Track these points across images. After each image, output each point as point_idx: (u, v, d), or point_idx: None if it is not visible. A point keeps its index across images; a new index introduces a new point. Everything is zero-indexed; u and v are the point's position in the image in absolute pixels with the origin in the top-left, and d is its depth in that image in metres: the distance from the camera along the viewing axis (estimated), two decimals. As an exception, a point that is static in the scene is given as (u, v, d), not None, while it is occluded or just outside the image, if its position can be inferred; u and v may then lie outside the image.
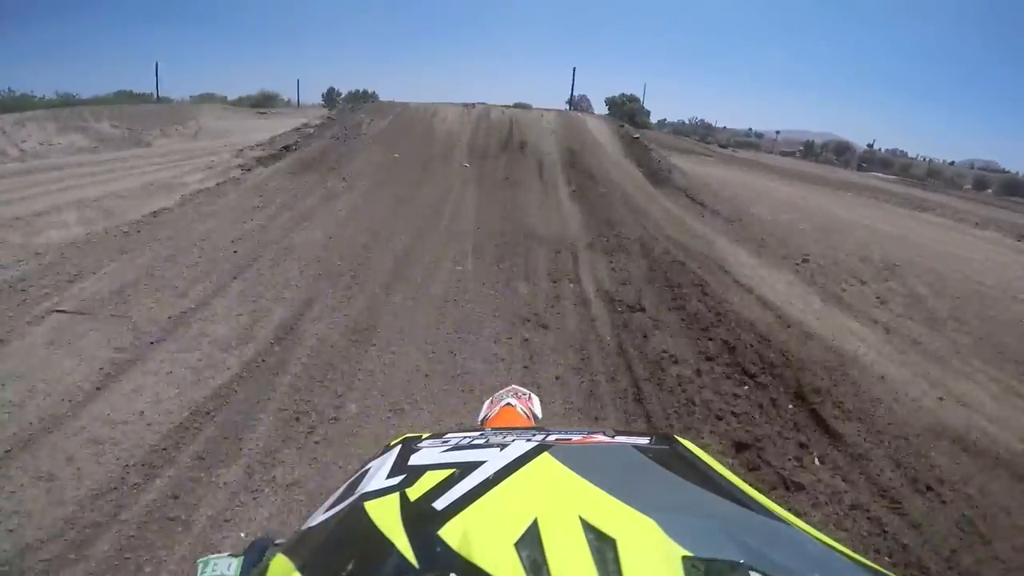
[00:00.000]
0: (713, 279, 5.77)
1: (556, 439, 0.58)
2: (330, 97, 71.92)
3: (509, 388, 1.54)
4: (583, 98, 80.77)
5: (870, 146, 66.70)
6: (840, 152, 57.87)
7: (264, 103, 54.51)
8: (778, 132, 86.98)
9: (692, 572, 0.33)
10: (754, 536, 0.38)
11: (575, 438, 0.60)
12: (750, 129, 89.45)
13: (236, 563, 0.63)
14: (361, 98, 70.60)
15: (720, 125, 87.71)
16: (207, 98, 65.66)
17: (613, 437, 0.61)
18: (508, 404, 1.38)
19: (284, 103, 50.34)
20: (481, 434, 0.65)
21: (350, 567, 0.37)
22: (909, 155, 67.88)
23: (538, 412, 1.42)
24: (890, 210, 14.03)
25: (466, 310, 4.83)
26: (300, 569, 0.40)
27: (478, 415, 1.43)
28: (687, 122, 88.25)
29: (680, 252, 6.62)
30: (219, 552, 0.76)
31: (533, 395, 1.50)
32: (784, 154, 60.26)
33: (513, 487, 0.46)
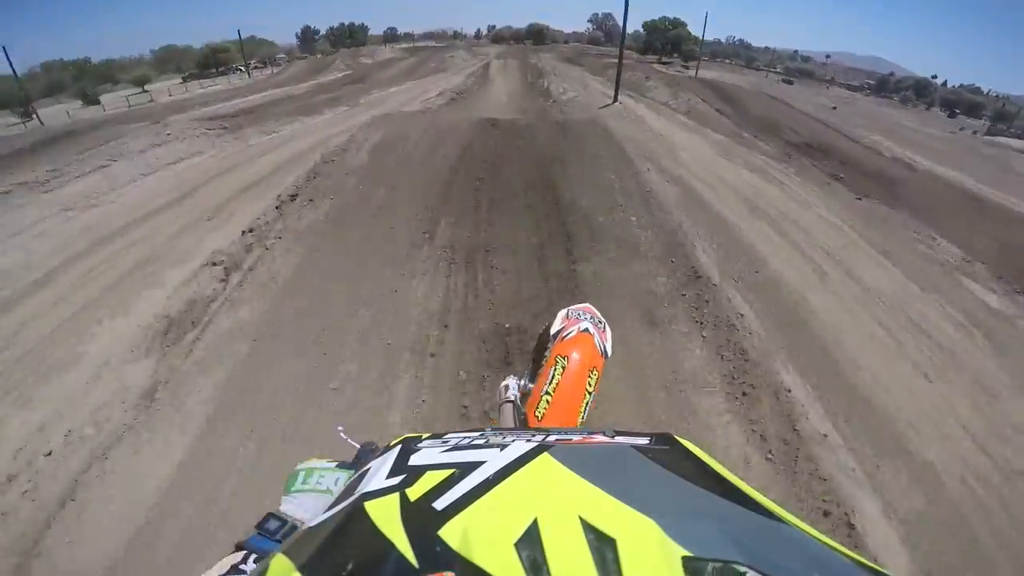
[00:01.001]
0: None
1: (556, 439, 0.56)
2: (306, 38, 57.59)
3: (586, 307, 1.36)
4: (606, 17, 65.48)
5: (934, 77, 53.23)
6: (920, 92, 44.95)
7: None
8: (828, 56, 71.73)
9: (692, 572, 0.32)
10: (754, 536, 0.37)
11: (575, 438, 0.58)
12: (795, 52, 73.91)
13: (345, 476, 0.68)
14: (347, 34, 56.91)
15: (761, 45, 72.79)
16: (167, 53, 52.15)
17: (613, 437, 0.58)
18: (586, 331, 1.24)
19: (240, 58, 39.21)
20: (481, 434, 0.63)
21: (350, 567, 0.35)
22: (982, 90, 54.51)
23: (609, 349, 1.25)
24: None
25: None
26: (300, 569, 0.37)
27: (552, 326, 1.27)
28: (723, 41, 73.33)
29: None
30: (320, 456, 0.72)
31: (608, 327, 1.32)
32: (851, 88, 47.83)
33: (513, 487, 0.44)
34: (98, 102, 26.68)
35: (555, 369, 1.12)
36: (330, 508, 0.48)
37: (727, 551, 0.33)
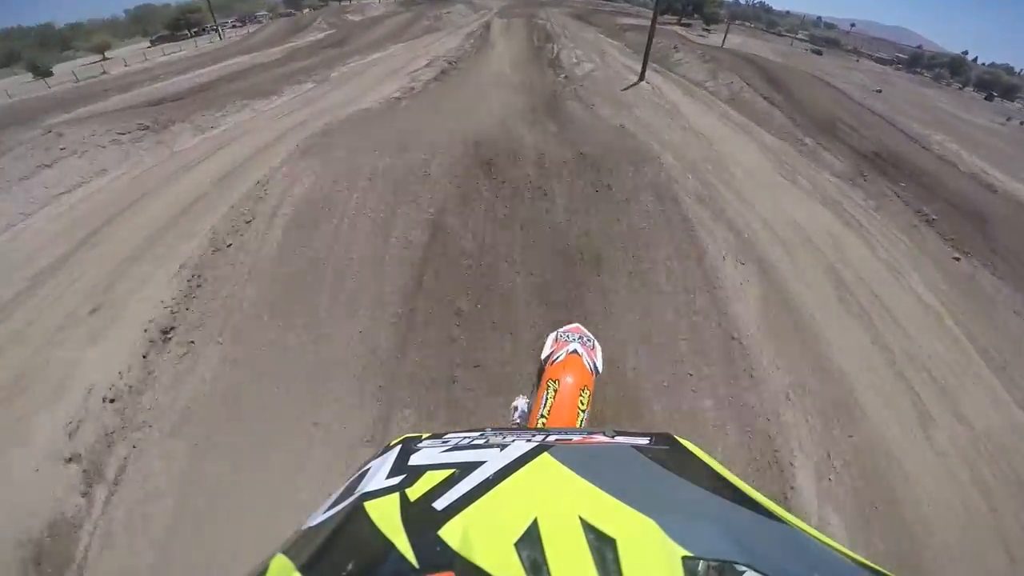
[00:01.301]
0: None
1: (556, 439, 0.54)
2: None
3: (575, 328, 1.38)
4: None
5: (965, 53, 48.84)
6: (955, 70, 40.75)
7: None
8: (853, 24, 66.39)
9: (692, 572, 0.31)
10: (754, 536, 0.36)
11: (575, 438, 0.56)
12: (819, 18, 68.35)
13: None
14: None
15: (782, 9, 67.26)
16: (143, 12, 45.73)
17: (613, 437, 0.57)
18: (575, 352, 1.27)
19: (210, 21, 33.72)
20: (481, 434, 0.61)
21: (350, 567, 0.35)
22: (1014, 69, 50.11)
23: (599, 365, 1.29)
24: None
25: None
26: (300, 569, 0.36)
27: (543, 350, 1.27)
28: (743, 3, 67.56)
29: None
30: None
31: (597, 344, 1.34)
32: (881, 62, 43.73)
33: (513, 487, 0.43)
34: (51, 74, 23.33)
35: (548, 393, 1.11)
36: (330, 508, 0.46)
37: (727, 551, 0.32)
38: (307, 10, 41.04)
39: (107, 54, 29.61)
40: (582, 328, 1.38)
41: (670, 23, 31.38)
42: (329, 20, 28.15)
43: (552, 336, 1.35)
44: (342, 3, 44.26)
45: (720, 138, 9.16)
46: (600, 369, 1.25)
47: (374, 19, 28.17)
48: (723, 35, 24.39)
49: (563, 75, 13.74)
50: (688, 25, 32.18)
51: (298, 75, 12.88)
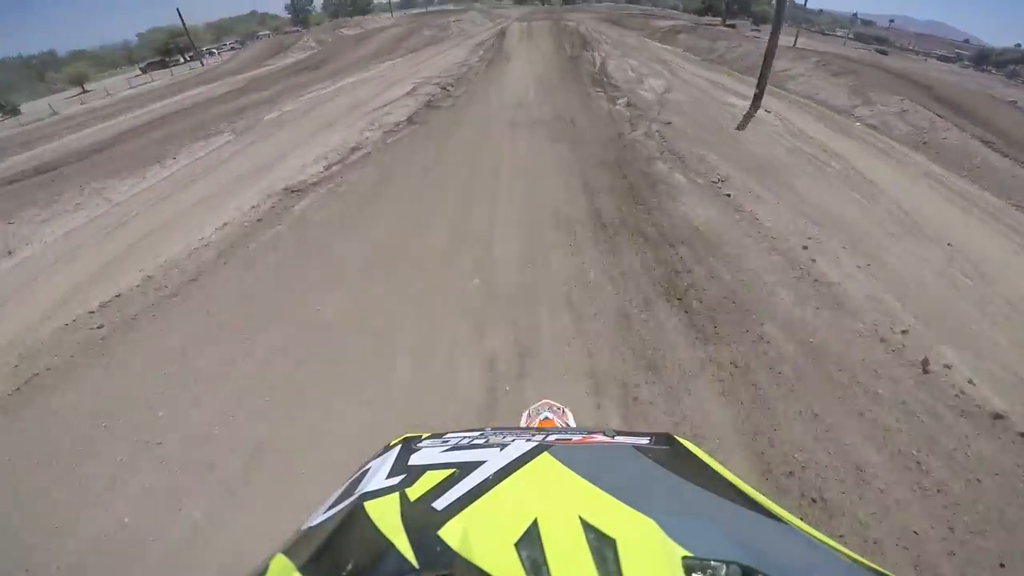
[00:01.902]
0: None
1: (556, 439, 0.52)
2: (296, 9, 45.58)
3: (544, 403, 1.40)
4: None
5: (1017, 46, 42.35)
6: None
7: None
8: (892, 20, 59.78)
9: (692, 572, 0.30)
10: (754, 536, 0.35)
11: (575, 438, 0.55)
12: (855, 15, 61.90)
13: None
14: (349, 2, 45.19)
15: (815, 7, 61.03)
16: (153, 36, 42.55)
17: (613, 437, 0.55)
18: (546, 418, 1.27)
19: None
20: (481, 434, 0.58)
21: (350, 567, 0.33)
22: None
23: (572, 424, 1.27)
24: None
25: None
26: (300, 569, 0.35)
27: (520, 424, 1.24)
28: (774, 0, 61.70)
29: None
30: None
31: (566, 409, 1.37)
32: (944, 59, 37.76)
33: (513, 487, 0.41)
34: (19, 112, 21.00)
35: None
36: (330, 508, 0.44)
37: (727, 551, 0.31)
38: (313, 27, 37.64)
39: (87, 86, 26.77)
40: (551, 401, 1.34)
41: (714, 23, 26.21)
42: (318, 37, 23.72)
43: (524, 414, 1.31)
44: (354, 17, 40.31)
45: (980, 256, 4.18)
46: (574, 427, 1.17)
47: (368, 33, 23.61)
48: (793, 37, 19.12)
49: (622, 100, 8.86)
50: (732, 26, 26.92)
51: (224, 120, 8.31)
